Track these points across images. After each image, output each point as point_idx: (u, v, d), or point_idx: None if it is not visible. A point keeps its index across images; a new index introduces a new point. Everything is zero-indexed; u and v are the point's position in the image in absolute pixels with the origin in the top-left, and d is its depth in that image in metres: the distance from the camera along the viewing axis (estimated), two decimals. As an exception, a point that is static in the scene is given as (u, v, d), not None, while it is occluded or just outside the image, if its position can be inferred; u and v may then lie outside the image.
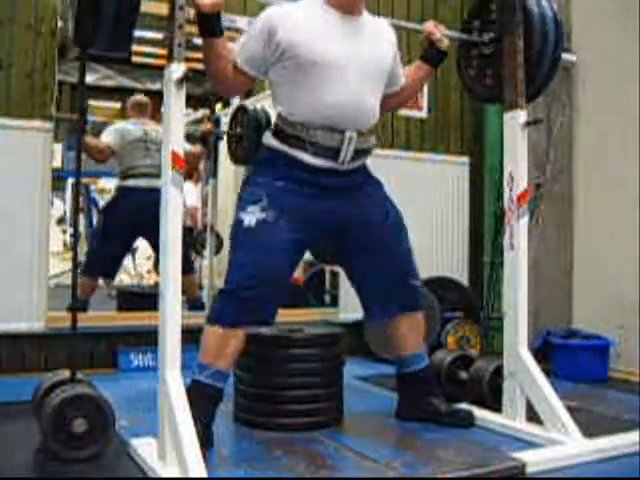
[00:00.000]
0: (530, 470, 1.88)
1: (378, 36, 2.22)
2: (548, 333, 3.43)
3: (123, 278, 5.90)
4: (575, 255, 3.73)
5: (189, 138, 3.76)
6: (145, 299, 3.91)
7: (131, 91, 4.94)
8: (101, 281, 4.24)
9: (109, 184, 5.70)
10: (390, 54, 2.24)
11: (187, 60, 1.81)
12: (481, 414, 2.33)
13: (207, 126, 4.06)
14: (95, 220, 5.10)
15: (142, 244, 4.55)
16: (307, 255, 3.48)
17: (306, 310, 3.65)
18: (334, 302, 3.69)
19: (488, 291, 3.64)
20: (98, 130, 4.01)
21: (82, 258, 4.02)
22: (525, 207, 2.32)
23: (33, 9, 3.04)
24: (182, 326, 1.81)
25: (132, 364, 3.18)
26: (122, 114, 6.39)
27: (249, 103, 3.81)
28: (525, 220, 2.32)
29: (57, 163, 3.07)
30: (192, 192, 5.29)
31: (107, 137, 3.80)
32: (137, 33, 4.34)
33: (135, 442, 1.94)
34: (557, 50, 2.41)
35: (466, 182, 3.95)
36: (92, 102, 7.37)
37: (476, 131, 4.08)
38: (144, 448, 1.89)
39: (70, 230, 6.32)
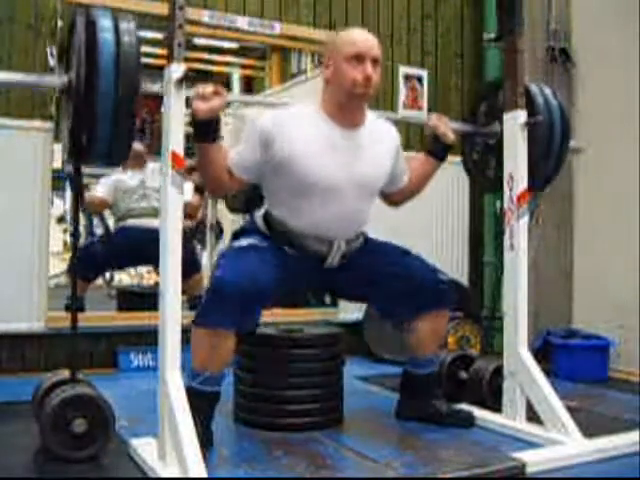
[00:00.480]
0: (530, 470, 1.88)
1: (378, 144, 2.17)
2: (548, 333, 3.43)
3: (123, 278, 5.90)
4: (575, 255, 3.73)
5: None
6: (145, 299, 3.91)
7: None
8: (100, 281, 4.24)
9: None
10: (389, 159, 2.20)
11: (187, 60, 1.81)
12: (481, 414, 2.33)
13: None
14: (95, 220, 5.10)
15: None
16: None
17: (306, 310, 3.65)
18: (334, 302, 3.69)
19: (495, 291, 3.64)
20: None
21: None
22: (525, 207, 2.31)
23: (33, 9, 3.04)
24: (182, 326, 1.81)
25: (132, 364, 3.18)
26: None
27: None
28: (525, 220, 2.32)
29: (57, 163, 3.06)
30: (186, 188, 5.27)
31: (102, 189, 3.98)
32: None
33: (135, 442, 1.94)
34: (564, 141, 2.41)
35: (466, 182, 3.94)
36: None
37: (476, 131, 4.08)
38: (144, 448, 1.89)
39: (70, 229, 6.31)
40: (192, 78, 1.79)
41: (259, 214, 2.16)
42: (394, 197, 2.36)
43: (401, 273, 2.19)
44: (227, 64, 6.86)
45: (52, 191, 3.15)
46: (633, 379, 3.20)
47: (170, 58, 1.79)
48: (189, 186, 5.30)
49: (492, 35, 3.45)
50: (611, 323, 3.36)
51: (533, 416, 2.21)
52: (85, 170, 2.04)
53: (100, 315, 3.56)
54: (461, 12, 4.08)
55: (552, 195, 3.66)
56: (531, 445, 2.09)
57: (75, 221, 2.00)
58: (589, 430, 2.13)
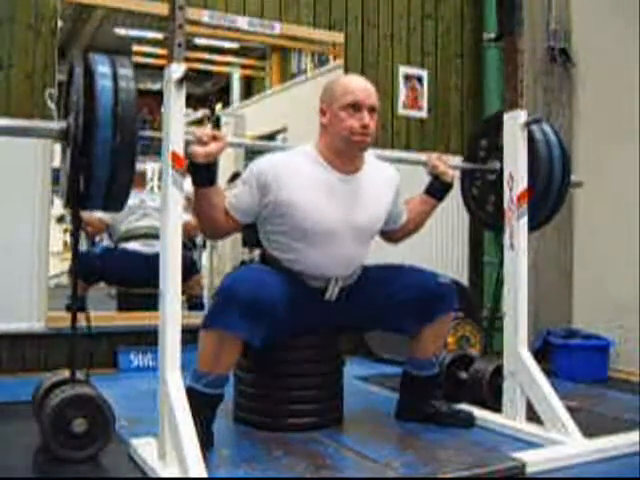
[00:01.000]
0: (530, 470, 1.88)
1: (377, 188, 2.18)
2: (548, 333, 3.43)
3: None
4: (575, 255, 3.73)
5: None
6: (145, 299, 3.90)
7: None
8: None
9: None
10: (388, 203, 2.21)
11: (187, 60, 1.81)
12: (481, 414, 2.33)
13: None
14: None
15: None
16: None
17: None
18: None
19: (495, 291, 3.63)
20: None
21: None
22: (525, 207, 2.31)
23: (33, 9, 3.04)
24: (182, 326, 1.81)
25: (132, 364, 3.18)
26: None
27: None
28: (525, 220, 2.32)
29: (57, 163, 3.06)
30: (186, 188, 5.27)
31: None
32: (137, 33, 4.36)
33: (135, 442, 1.94)
34: (564, 178, 2.43)
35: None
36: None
37: (476, 131, 4.08)
38: (144, 448, 1.89)
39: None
40: (192, 78, 1.79)
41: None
42: (392, 235, 2.38)
43: (402, 290, 2.19)
44: (227, 64, 6.85)
45: (52, 191, 3.15)
46: (633, 379, 3.20)
47: (170, 58, 1.79)
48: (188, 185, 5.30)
49: (492, 35, 3.46)
50: (611, 323, 3.36)
51: (533, 416, 2.21)
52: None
53: (100, 315, 3.55)
54: (461, 12, 4.08)
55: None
56: (531, 445, 2.09)
57: (75, 220, 1.99)
58: (589, 430, 2.13)
